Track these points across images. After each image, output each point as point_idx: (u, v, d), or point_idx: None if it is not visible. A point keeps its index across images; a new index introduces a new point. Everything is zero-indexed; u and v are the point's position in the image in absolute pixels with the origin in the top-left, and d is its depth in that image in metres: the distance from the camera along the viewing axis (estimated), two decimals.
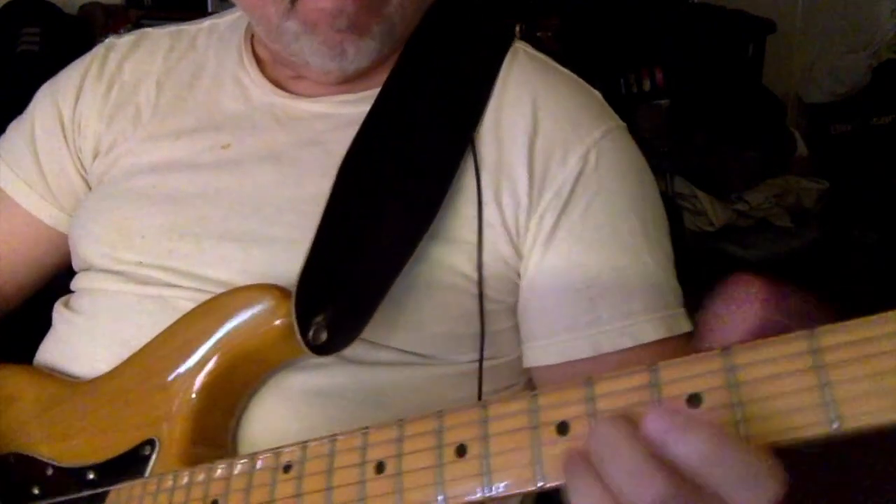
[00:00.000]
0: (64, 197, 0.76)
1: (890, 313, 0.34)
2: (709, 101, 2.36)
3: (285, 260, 0.61)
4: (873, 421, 0.34)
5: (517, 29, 2.14)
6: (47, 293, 0.81)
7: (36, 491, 0.63)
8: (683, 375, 0.38)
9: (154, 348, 0.62)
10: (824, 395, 0.35)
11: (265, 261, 0.63)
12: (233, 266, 0.64)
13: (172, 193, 0.68)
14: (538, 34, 2.22)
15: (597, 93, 0.70)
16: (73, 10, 1.87)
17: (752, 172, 2.47)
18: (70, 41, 1.78)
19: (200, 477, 0.53)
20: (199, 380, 0.59)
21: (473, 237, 0.63)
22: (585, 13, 2.32)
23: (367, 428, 0.47)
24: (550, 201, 0.64)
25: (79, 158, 0.75)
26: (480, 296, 0.64)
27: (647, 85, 2.39)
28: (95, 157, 0.74)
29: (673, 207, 2.19)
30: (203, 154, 0.69)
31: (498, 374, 0.67)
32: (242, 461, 0.52)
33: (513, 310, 0.66)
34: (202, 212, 0.66)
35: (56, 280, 0.82)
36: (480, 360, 0.65)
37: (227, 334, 0.59)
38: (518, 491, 0.41)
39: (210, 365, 0.59)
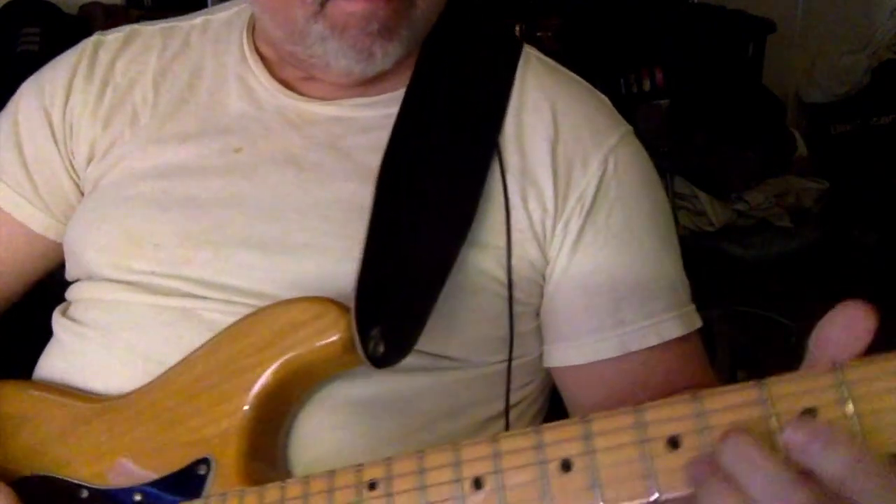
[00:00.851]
0: (54, 203, 0.73)
1: None
2: (709, 101, 2.36)
3: (313, 267, 0.61)
4: None
5: (517, 29, 2.14)
6: (33, 300, 0.80)
7: None
8: (795, 391, 0.39)
9: (195, 363, 0.60)
10: None
11: (291, 269, 0.62)
12: (255, 274, 0.62)
13: (184, 199, 0.66)
14: (538, 34, 2.22)
15: (605, 97, 0.71)
16: (73, 10, 1.86)
17: (752, 172, 2.47)
18: (70, 41, 1.77)
19: (274, 496, 0.52)
20: (253, 395, 0.57)
21: (503, 241, 0.64)
22: (585, 13, 2.32)
23: (457, 444, 0.47)
24: (574, 207, 0.65)
25: (71, 163, 0.72)
26: (510, 298, 0.64)
27: (647, 85, 2.38)
28: (90, 161, 0.71)
29: (672, 207, 2.19)
30: (213, 158, 0.67)
31: (521, 372, 0.68)
32: (320, 479, 0.50)
33: (537, 311, 0.67)
34: (219, 218, 0.65)
35: (43, 288, 0.80)
36: (509, 361, 0.67)
37: (282, 348, 0.57)
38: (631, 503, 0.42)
39: (264, 379, 0.57)
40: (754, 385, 0.40)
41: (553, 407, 0.75)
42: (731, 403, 0.40)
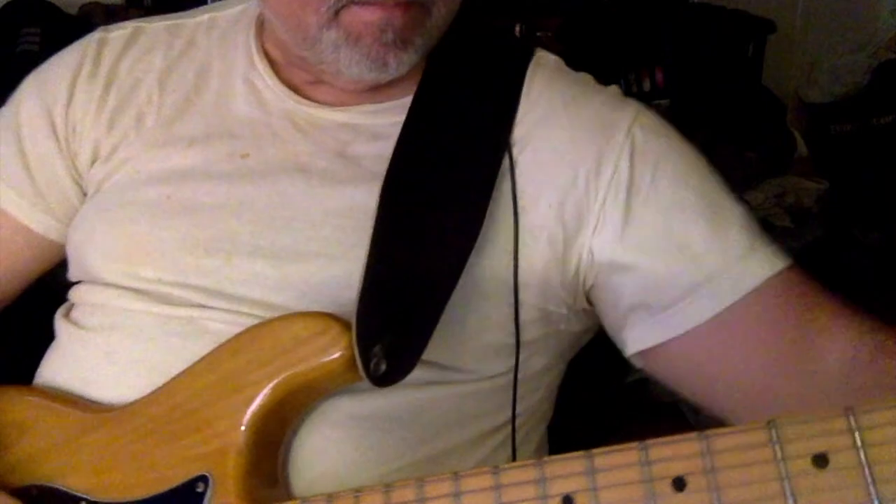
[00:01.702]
0: (56, 204, 0.72)
1: None
2: (709, 101, 2.35)
3: (325, 277, 0.60)
4: None
5: (517, 29, 2.14)
6: (34, 300, 0.79)
7: None
8: (806, 434, 0.38)
9: (195, 376, 0.59)
10: None
11: (302, 279, 0.61)
12: (266, 284, 0.61)
13: (190, 205, 0.65)
14: (538, 34, 2.22)
15: (613, 86, 0.70)
16: (73, 10, 1.86)
17: (752, 172, 2.46)
18: (70, 41, 1.77)
19: None
20: (252, 412, 0.56)
21: (510, 244, 0.62)
22: (585, 13, 2.31)
23: (458, 473, 0.46)
24: (610, 185, 0.63)
25: (73, 164, 0.71)
26: (516, 304, 0.62)
27: (647, 85, 2.38)
28: (94, 162, 0.70)
29: None
30: (220, 163, 0.66)
31: (527, 381, 0.67)
32: (344, 498, 0.49)
33: (548, 318, 0.65)
34: (228, 225, 0.63)
35: (44, 288, 0.79)
36: (516, 369, 0.64)
37: (282, 365, 0.56)
38: None
39: (262, 398, 0.56)
40: (764, 426, 0.39)
41: (557, 412, 0.74)
42: (740, 444, 0.39)
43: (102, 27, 0.76)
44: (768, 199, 2.52)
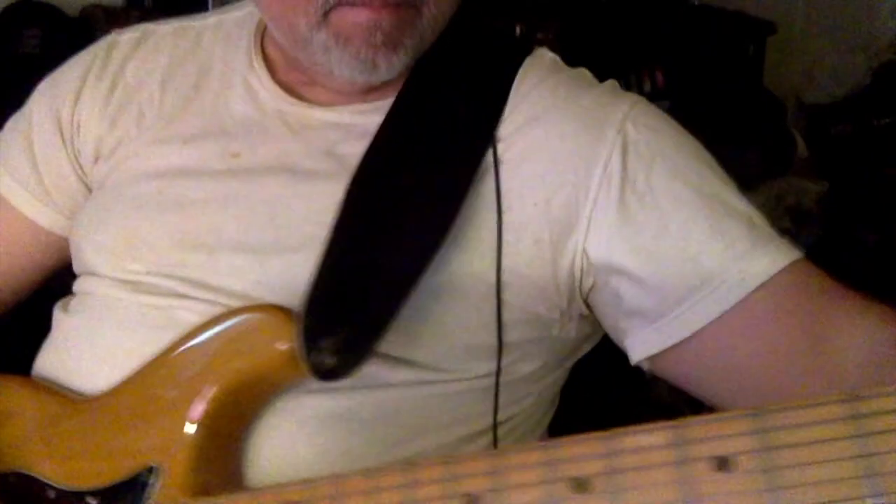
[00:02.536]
0: (62, 200, 0.74)
1: None
2: (709, 102, 2.35)
3: (304, 272, 0.59)
4: None
5: (516, 30, 2.14)
6: (45, 293, 0.80)
7: None
8: (712, 435, 0.35)
9: (154, 368, 0.59)
10: (868, 465, 0.32)
11: (282, 272, 0.61)
12: (248, 278, 0.62)
13: (180, 200, 0.66)
14: (538, 36, 2.22)
15: (612, 80, 0.68)
16: (73, 11, 1.86)
17: (752, 173, 2.46)
18: (71, 43, 1.77)
19: None
20: (199, 405, 0.56)
21: (493, 241, 0.60)
22: (586, 15, 2.32)
23: (450, 456, 0.43)
24: (601, 184, 0.60)
25: (78, 161, 0.73)
26: (499, 303, 0.61)
27: (647, 86, 2.38)
28: (97, 159, 0.72)
29: None
30: (212, 161, 0.67)
31: (512, 387, 0.65)
32: (268, 492, 0.47)
33: (537, 321, 0.62)
34: (214, 220, 0.64)
35: (55, 281, 0.81)
36: (497, 372, 0.62)
37: (228, 357, 0.56)
38: None
39: (209, 390, 0.56)
40: (669, 426, 0.36)
41: (561, 421, 0.72)
42: (643, 445, 0.36)
43: (116, 31, 0.78)
44: (768, 200, 2.52)
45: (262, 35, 0.73)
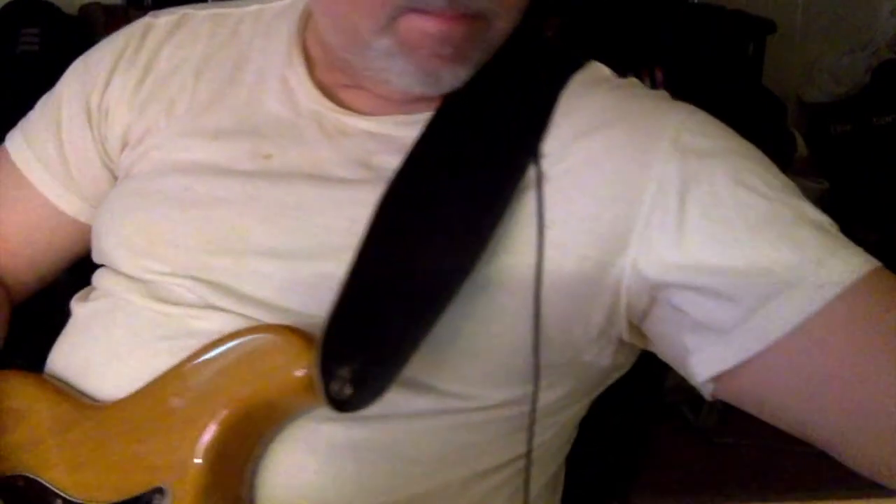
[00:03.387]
0: (88, 187, 0.72)
1: None
2: (708, 101, 2.35)
3: (332, 283, 0.56)
4: None
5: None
6: (57, 283, 0.79)
7: None
8: None
9: (168, 381, 0.58)
10: None
11: (310, 281, 0.59)
12: (275, 284, 0.59)
13: (205, 199, 0.63)
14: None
15: (663, 91, 0.65)
16: (73, 10, 1.86)
17: None
18: (70, 41, 1.77)
19: None
20: (212, 427, 0.54)
21: (532, 259, 0.57)
22: (585, 13, 2.31)
23: None
24: (656, 196, 0.57)
25: (104, 148, 0.71)
26: (536, 322, 0.57)
27: (646, 85, 2.38)
28: (123, 147, 0.70)
29: None
30: (242, 160, 0.64)
31: (545, 412, 0.62)
32: None
33: (572, 344, 0.59)
34: (241, 223, 0.62)
35: (68, 272, 0.80)
36: (534, 394, 0.59)
37: (241, 379, 0.54)
38: None
39: (222, 412, 0.54)
40: None
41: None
42: None
43: (152, 12, 0.75)
44: None
45: (303, 30, 0.70)
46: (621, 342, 0.62)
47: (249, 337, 0.56)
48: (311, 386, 0.52)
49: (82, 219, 0.74)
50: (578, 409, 0.68)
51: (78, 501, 0.58)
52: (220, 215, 0.63)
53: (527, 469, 0.62)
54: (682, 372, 0.60)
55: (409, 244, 0.57)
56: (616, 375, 0.68)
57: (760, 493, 1.83)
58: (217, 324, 0.60)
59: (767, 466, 1.87)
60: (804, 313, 0.53)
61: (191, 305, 0.61)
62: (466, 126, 0.62)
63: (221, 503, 0.55)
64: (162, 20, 0.73)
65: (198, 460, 0.54)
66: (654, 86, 2.58)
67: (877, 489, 0.54)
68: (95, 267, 0.71)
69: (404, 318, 0.55)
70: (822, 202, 2.67)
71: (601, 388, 0.68)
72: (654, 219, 0.57)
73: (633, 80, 0.67)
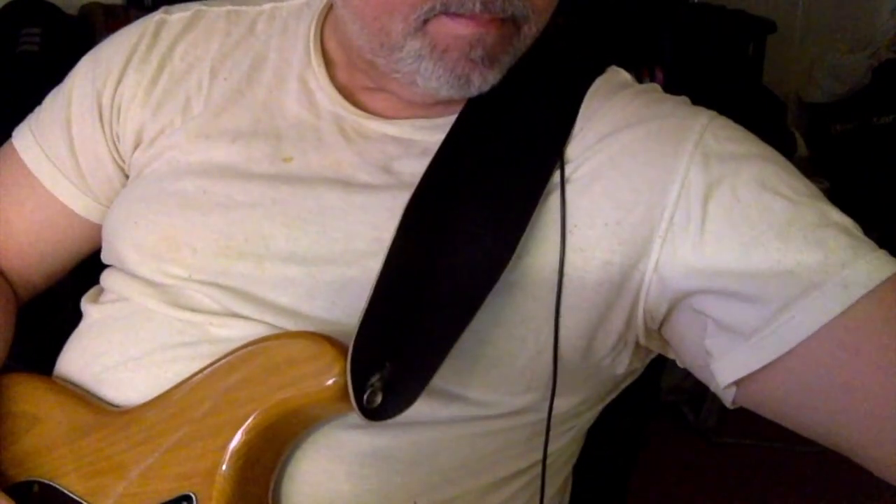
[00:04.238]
0: (98, 186, 0.71)
1: None
2: (709, 101, 2.35)
3: (356, 288, 0.56)
4: None
5: None
6: (65, 283, 0.79)
7: None
8: None
9: (192, 389, 0.57)
10: None
11: (333, 287, 0.58)
12: (298, 290, 0.58)
13: (225, 202, 0.62)
14: None
15: (683, 95, 0.65)
16: (73, 10, 1.86)
17: None
18: (70, 42, 1.77)
19: None
20: (239, 435, 0.53)
21: (555, 263, 0.57)
22: (585, 13, 2.31)
23: None
24: (678, 201, 0.56)
25: (115, 146, 0.70)
26: (556, 326, 0.57)
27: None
28: (137, 146, 0.68)
29: None
30: (261, 163, 0.63)
31: (561, 419, 0.62)
32: None
33: (591, 350, 0.59)
34: (261, 227, 0.61)
35: (75, 271, 0.78)
36: (551, 400, 0.59)
37: (272, 388, 0.53)
38: None
39: (250, 420, 0.53)
40: None
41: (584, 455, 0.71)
42: None
43: (164, 8, 0.73)
44: None
45: (321, 29, 0.69)
46: (637, 346, 0.62)
47: (277, 343, 0.55)
48: (342, 395, 0.51)
49: (93, 218, 0.73)
50: (591, 415, 0.68)
51: None
52: (240, 219, 0.62)
53: (542, 476, 0.62)
54: (701, 377, 0.59)
55: (436, 250, 0.57)
56: (629, 380, 0.67)
57: (760, 493, 1.83)
58: (238, 331, 0.59)
59: (767, 466, 1.87)
60: (829, 315, 0.52)
61: (211, 312, 0.60)
62: (491, 131, 0.61)
63: None
64: (175, 16, 0.72)
65: (225, 468, 0.54)
66: None
67: (877, 489, 0.54)
68: (98, 265, 0.71)
69: (434, 325, 0.54)
70: None
71: (614, 394, 0.68)
72: (677, 222, 0.56)
73: (655, 85, 0.67)
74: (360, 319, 0.53)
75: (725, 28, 2.48)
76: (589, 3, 2.34)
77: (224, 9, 0.72)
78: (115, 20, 1.80)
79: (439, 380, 0.54)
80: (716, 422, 1.98)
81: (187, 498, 0.54)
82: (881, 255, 0.54)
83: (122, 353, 0.63)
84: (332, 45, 0.68)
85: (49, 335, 0.71)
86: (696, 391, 2.01)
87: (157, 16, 0.72)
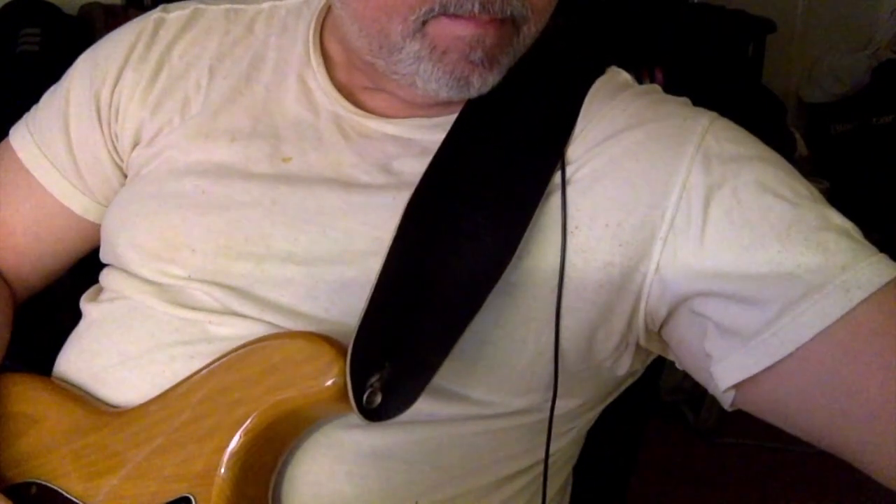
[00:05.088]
0: (97, 186, 0.71)
1: None
2: (709, 101, 2.35)
3: (356, 288, 0.56)
4: None
5: None
6: (63, 283, 0.78)
7: None
8: None
9: (190, 389, 0.56)
10: None
11: (334, 287, 0.58)
12: (298, 290, 0.58)
13: (224, 202, 0.62)
14: None
15: (684, 97, 0.65)
16: (73, 10, 1.86)
17: None
18: (70, 42, 1.77)
19: None
20: (238, 436, 0.53)
21: (556, 264, 0.57)
22: (585, 13, 2.31)
23: None
24: (679, 202, 0.56)
25: (114, 146, 0.69)
26: (557, 327, 0.57)
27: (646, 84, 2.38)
28: (135, 146, 0.68)
29: None
30: (260, 162, 0.63)
31: (563, 419, 0.62)
32: None
33: (592, 350, 0.59)
34: (261, 227, 0.61)
35: (73, 270, 0.77)
36: (553, 401, 0.59)
37: (270, 388, 0.53)
38: None
39: (248, 421, 0.53)
40: None
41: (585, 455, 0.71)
42: None
43: (162, 6, 0.72)
44: None
45: (320, 27, 0.69)
46: (638, 347, 0.62)
47: (276, 343, 0.55)
48: (342, 395, 0.51)
49: (91, 218, 0.72)
50: (592, 416, 0.68)
51: None
52: (239, 219, 0.62)
53: (544, 476, 0.62)
54: (701, 380, 0.58)
55: (437, 250, 0.56)
56: (630, 382, 0.67)
57: (760, 493, 1.83)
58: (238, 330, 0.59)
59: (767, 466, 1.87)
60: (829, 319, 0.52)
61: (211, 311, 0.60)
62: (491, 130, 0.61)
63: None
64: (173, 15, 0.71)
65: (223, 470, 0.53)
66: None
67: (877, 490, 0.54)
68: (97, 264, 0.70)
69: (434, 326, 0.54)
70: None
71: (615, 396, 0.68)
72: (678, 224, 0.56)
73: (655, 86, 0.66)
74: (360, 319, 0.53)
75: (725, 28, 2.48)
76: (589, 4, 2.34)
77: (223, 7, 0.72)
78: (114, 20, 1.80)
79: (440, 379, 0.54)
80: (716, 422, 1.98)
81: (186, 500, 0.54)
82: (882, 259, 0.54)
83: (120, 351, 0.63)
84: (331, 45, 0.67)
85: (47, 335, 0.70)
86: (695, 391, 2.01)
87: (155, 14, 0.72)
